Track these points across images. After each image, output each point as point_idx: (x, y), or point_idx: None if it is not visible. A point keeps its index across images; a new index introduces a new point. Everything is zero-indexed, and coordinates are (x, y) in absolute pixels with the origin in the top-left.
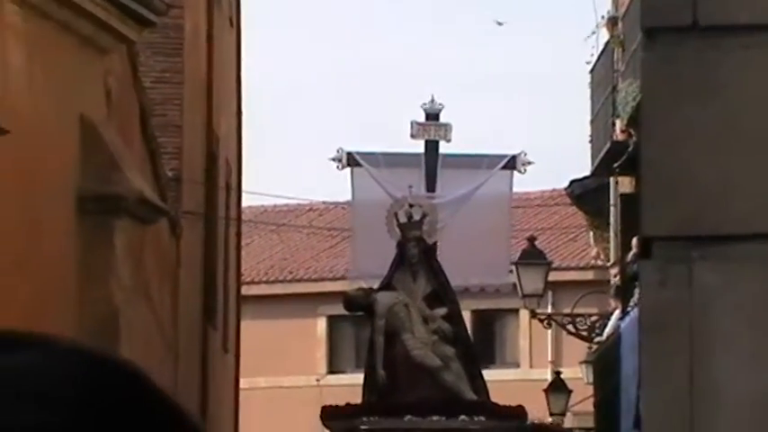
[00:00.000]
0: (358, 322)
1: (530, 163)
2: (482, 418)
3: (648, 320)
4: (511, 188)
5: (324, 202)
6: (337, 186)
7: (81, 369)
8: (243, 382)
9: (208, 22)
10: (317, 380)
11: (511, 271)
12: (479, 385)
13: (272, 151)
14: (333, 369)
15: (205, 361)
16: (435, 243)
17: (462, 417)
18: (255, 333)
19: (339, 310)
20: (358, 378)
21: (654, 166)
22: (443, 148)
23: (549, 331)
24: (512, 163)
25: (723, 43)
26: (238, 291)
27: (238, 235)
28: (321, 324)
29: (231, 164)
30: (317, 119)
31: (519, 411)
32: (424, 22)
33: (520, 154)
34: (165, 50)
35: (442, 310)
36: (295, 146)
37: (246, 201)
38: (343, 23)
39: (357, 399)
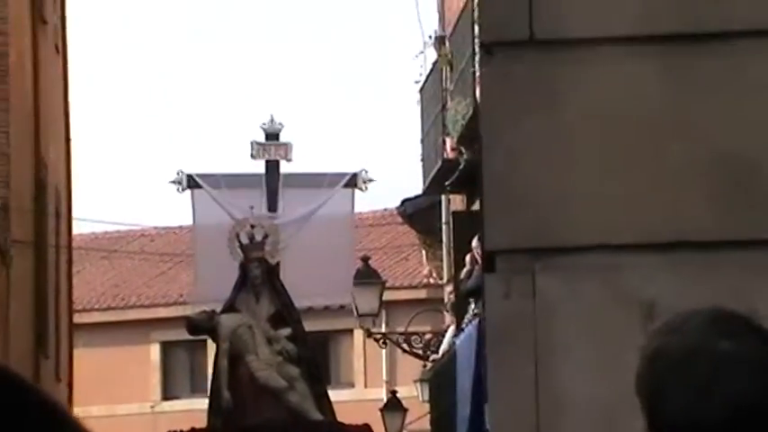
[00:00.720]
0: (192, 347)
1: (371, 180)
2: None
3: (494, 333)
4: (353, 206)
5: (155, 228)
6: (169, 211)
7: None
8: (76, 411)
9: (33, 49)
10: (152, 406)
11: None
12: (325, 405)
13: (104, 177)
14: (167, 395)
15: None
16: (278, 263)
17: None
18: (88, 361)
19: (172, 335)
20: (193, 403)
21: (495, 181)
22: (284, 167)
23: (384, 350)
24: (353, 181)
25: (559, 57)
26: (70, 319)
27: (69, 262)
28: (155, 350)
29: (61, 191)
30: (154, 144)
31: (365, 430)
32: (257, 40)
33: (360, 172)
34: None
35: (285, 331)
36: (129, 171)
37: (77, 228)
38: (175, 45)
39: (193, 424)
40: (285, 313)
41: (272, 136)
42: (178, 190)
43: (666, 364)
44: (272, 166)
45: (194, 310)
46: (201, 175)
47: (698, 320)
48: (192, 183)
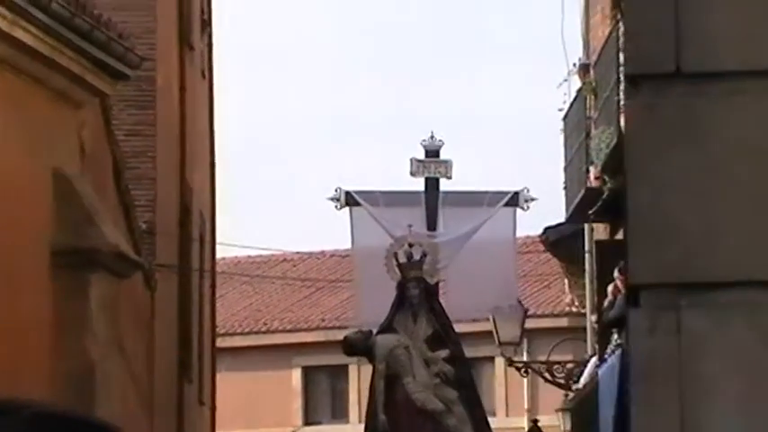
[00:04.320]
0: (333, 373)
1: (533, 200)
2: None
3: (638, 368)
4: (515, 226)
5: (297, 253)
6: (311, 237)
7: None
8: None
9: (180, 75)
10: (294, 431)
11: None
12: (483, 429)
13: (248, 201)
14: (309, 420)
15: (181, 414)
16: (437, 283)
17: None
18: (231, 385)
19: (314, 360)
20: (334, 429)
21: (640, 214)
22: (444, 185)
23: (525, 379)
24: (514, 200)
25: (707, 90)
26: (213, 343)
27: (213, 287)
28: (296, 375)
29: (205, 215)
30: (299, 167)
31: None
32: (415, 59)
33: (522, 190)
34: (138, 103)
35: (443, 353)
36: (272, 197)
37: (220, 252)
38: (326, 65)
39: None
40: (443, 334)
41: (433, 153)
42: (336, 207)
43: None
44: (432, 184)
45: (351, 330)
46: (360, 192)
47: None
48: (350, 200)
